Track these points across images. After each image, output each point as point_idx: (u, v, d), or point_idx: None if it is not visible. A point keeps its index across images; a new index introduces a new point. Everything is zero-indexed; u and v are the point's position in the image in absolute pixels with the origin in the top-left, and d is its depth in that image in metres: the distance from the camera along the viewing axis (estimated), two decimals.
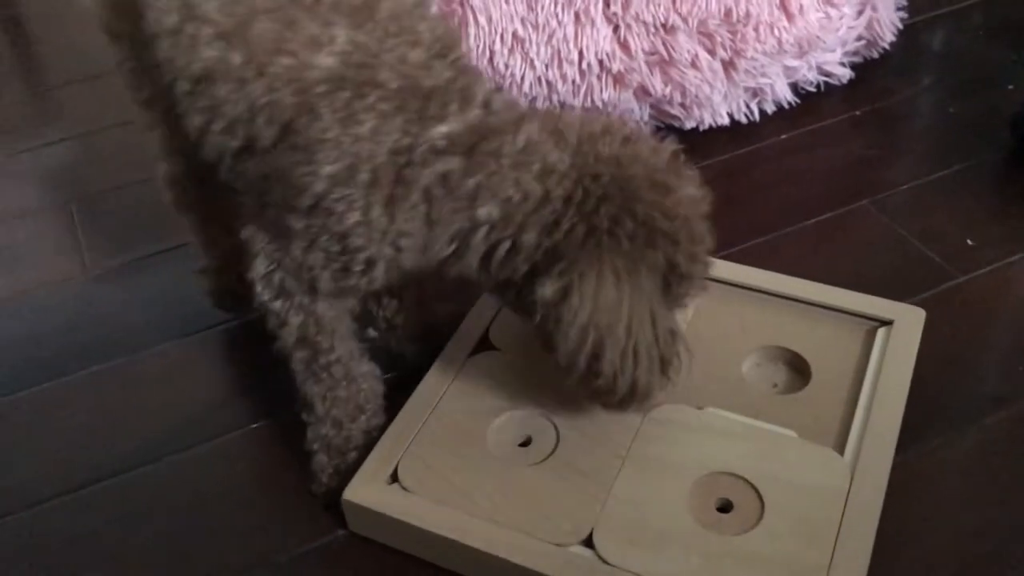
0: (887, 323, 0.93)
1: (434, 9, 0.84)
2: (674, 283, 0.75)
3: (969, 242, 1.09)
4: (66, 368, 1.04)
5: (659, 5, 1.09)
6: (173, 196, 0.98)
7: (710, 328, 0.95)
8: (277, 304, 0.79)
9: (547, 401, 0.87)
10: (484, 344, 0.94)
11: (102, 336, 1.07)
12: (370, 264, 0.75)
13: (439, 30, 0.75)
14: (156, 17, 0.77)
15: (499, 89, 0.77)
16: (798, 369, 0.92)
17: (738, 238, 1.11)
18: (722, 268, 1.01)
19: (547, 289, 0.72)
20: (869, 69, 1.38)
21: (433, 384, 0.90)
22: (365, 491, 0.81)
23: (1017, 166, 1.20)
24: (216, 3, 0.73)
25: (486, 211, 0.72)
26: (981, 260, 1.06)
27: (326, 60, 0.70)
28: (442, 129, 0.71)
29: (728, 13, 1.12)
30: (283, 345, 0.82)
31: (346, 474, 0.84)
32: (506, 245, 0.73)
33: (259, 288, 0.79)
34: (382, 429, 0.87)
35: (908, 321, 0.93)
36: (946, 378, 0.93)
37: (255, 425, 0.96)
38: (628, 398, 0.76)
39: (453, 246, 0.74)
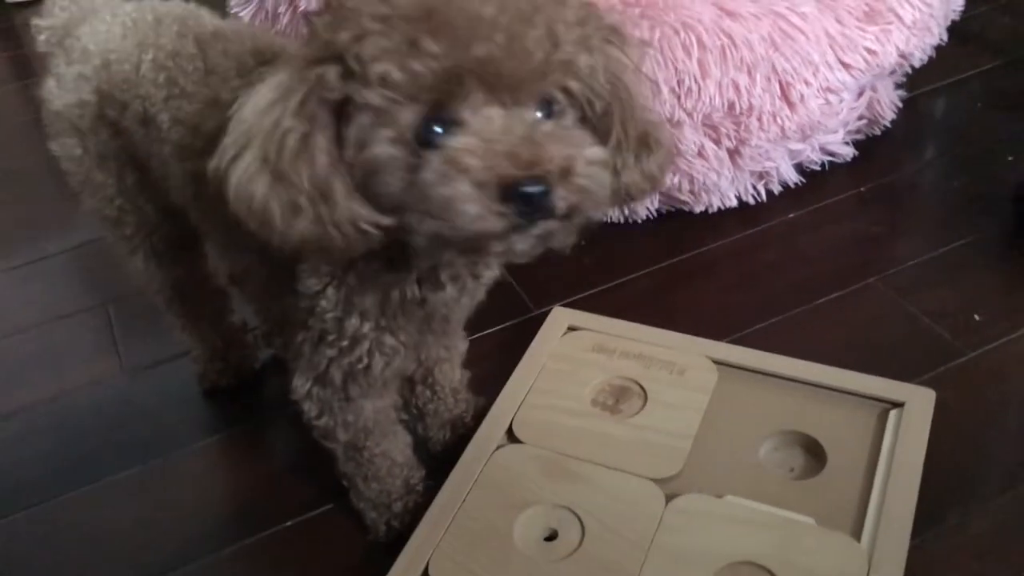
0: (899, 405, 0.96)
1: None
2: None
3: (977, 317, 1.12)
4: (106, 470, 1.07)
5: (664, 102, 1.14)
6: (167, 299, 1.07)
7: (728, 414, 0.98)
8: (322, 421, 0.85)
9: (571, 494, 0.90)
10: (508, 436, 0.98)
11: (141, 436, 1.11)
12: (338, 323, 0.75)
13: None
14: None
15: None
16: (814, 453, 0.95)
17: (750, 320, 1.14)
18: (738, 353, 1.05)
19: None
20: (872, 145, 1.42)
21: (460, 479, 0.93)
22: None
23: (1020, 240, 1.23)
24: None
25: None
26: (989, 335, 1.09)
27: None
28: None
29: (731, 107, 1.17)
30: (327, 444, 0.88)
31: (398, 519, 0.93)
32: None
33: (304, 407, 0.84)
34: (420, 479, 0.95)
35: (919, 403, 0.96)
36: (959, 457, 0.95)
37: (291, 522, 0.98)
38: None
39: None
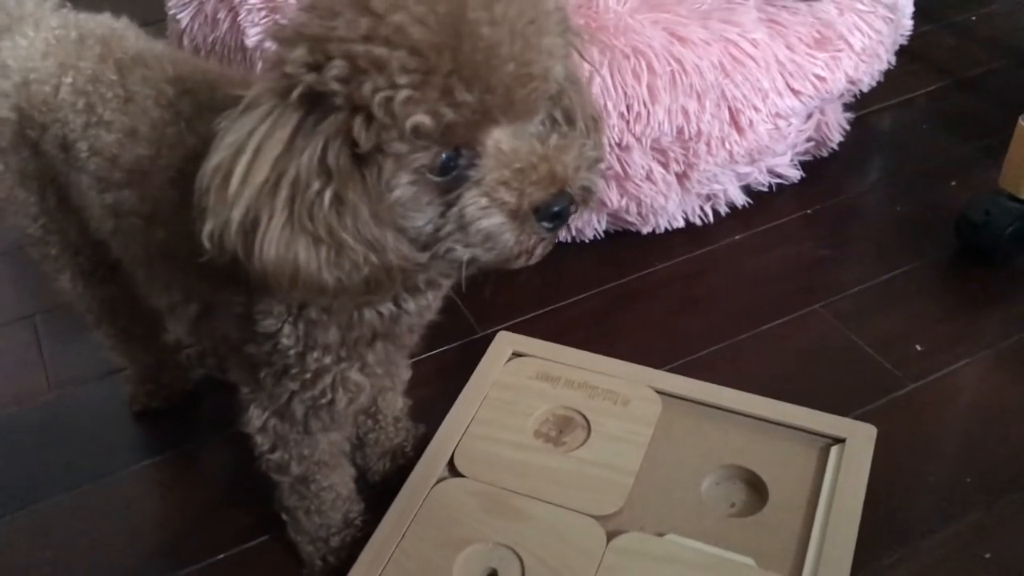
0: (840, 440, 0.96)
1: None
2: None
3: (918, 347, 1.13)
4: (27, 498, 1.03)
5: (613, 127, 1.12)
6: (96, 318, 1.03)
7: (671, 447, 0.97)
8: (276, 455, 0.82)
9: (511, 531, 0.89)
10: (449, 468, 0.96)
11: (67, 460, 1.07)
12: (300, 358, 0.74)
13: None
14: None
15: None
16: (756, 488, 0.94)
17: (694, 346, 1.14)
18: (682, 384, 1.04)
19: None
20: (819, 167, 1.42)
21: (399, 514, 0.91)
22: None
23: (961, 267, 1.24)
24: None
25: None
26: (930, 367, 1.10)
27: None
28: None
29: (680, 131, 1.16)
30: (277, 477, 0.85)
31: (335, 554, 0.91)
32: None
33: (258, 440, 0.81)
34: (359, 512, 0.93)
35: (859, 439, 0.96)
36: (899, 492, 0.96)
37: (223, 555, 0.96)
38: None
39: None
